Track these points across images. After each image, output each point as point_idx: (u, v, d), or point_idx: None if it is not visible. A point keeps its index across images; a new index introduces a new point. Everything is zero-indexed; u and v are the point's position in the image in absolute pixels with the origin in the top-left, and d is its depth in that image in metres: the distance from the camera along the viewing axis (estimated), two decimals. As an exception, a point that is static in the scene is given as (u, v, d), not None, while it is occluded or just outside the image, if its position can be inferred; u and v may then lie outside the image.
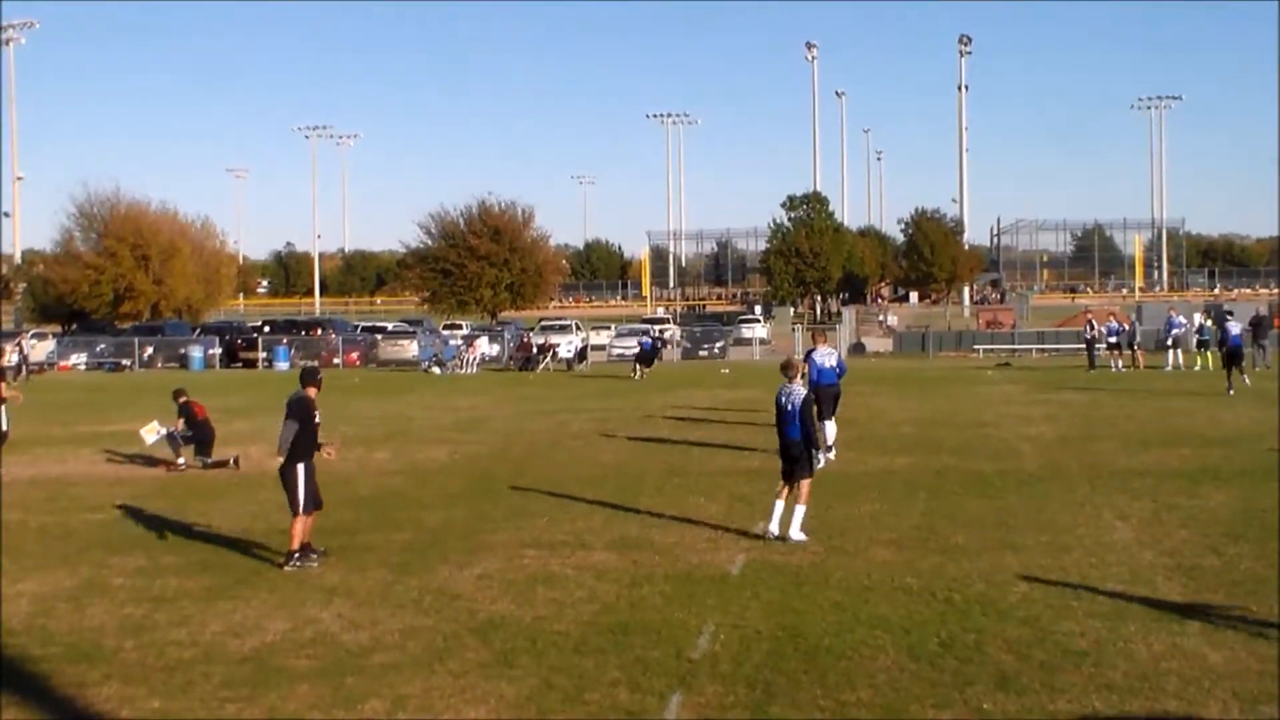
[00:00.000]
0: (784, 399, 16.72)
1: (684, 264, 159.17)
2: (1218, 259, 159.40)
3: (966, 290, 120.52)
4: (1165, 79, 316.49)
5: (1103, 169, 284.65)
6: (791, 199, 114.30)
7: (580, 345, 65.33)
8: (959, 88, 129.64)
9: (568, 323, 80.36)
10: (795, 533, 16.22)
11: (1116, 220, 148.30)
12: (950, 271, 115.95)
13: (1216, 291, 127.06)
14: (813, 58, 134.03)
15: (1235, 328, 40.43)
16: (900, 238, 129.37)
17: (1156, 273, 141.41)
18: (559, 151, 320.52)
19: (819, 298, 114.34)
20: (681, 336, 75.53)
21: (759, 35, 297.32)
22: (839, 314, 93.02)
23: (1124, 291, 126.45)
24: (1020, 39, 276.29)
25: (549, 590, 13.77)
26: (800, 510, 16.36)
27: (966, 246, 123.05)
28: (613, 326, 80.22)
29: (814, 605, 13.00)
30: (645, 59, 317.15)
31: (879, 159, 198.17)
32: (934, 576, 14.19)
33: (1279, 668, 10.28)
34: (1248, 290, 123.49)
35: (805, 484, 16.52)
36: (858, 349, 68.02)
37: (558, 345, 63.10)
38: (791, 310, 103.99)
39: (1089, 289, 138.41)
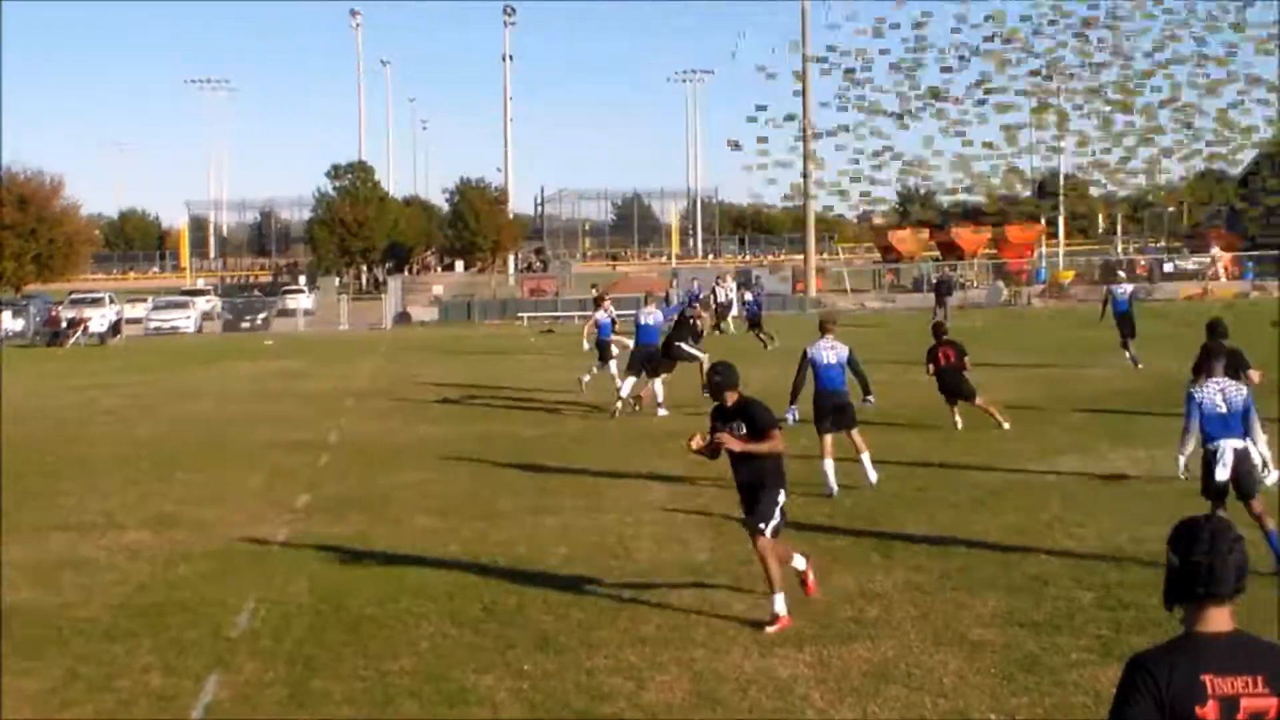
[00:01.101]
0: (822, 354, 16.83)
1: (225, 234, 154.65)
2: (747, 226, 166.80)
3: (511, 259, 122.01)
4: (699, 54, 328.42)
5: (642, 140, 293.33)
6: (336, 168, 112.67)
7: (114, 318, 62.55)
8: (504, 58, 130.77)
9: (100, 295, 76.78)
10: (872, 474, 16.73)
11: (655, 189, 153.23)
12: (495, 240, 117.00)
13: (747, 258, 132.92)
14: (357, 25, 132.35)
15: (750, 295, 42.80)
16: (446, 207, 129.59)
17: (692, 240, 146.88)
18: (90, 117, 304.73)
19: (365, 267, 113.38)
20: (223, 308, 73.41)
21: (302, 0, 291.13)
22: (384, 283, 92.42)
23: (662, 259, 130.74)
24: (563, 10, 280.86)
25: (77, 575, 13.15)
26: (865, 455, 16.79)
27: (511, 215, 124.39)
28: (150, 299, 77.09)
29: (358, 576, 12.91)
30: (180, 20, 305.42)
31: (425, 128, 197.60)
32: (477, 542, 14.34)
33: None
34: (773, 257, 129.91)
35: (856, 432, 16.88)
36: (403, 318, 67.89)
37: (89, 319, 60.13)
38: (336, 280, 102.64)
39: (630, 256, 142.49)
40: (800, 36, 68.40)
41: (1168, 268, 77.27)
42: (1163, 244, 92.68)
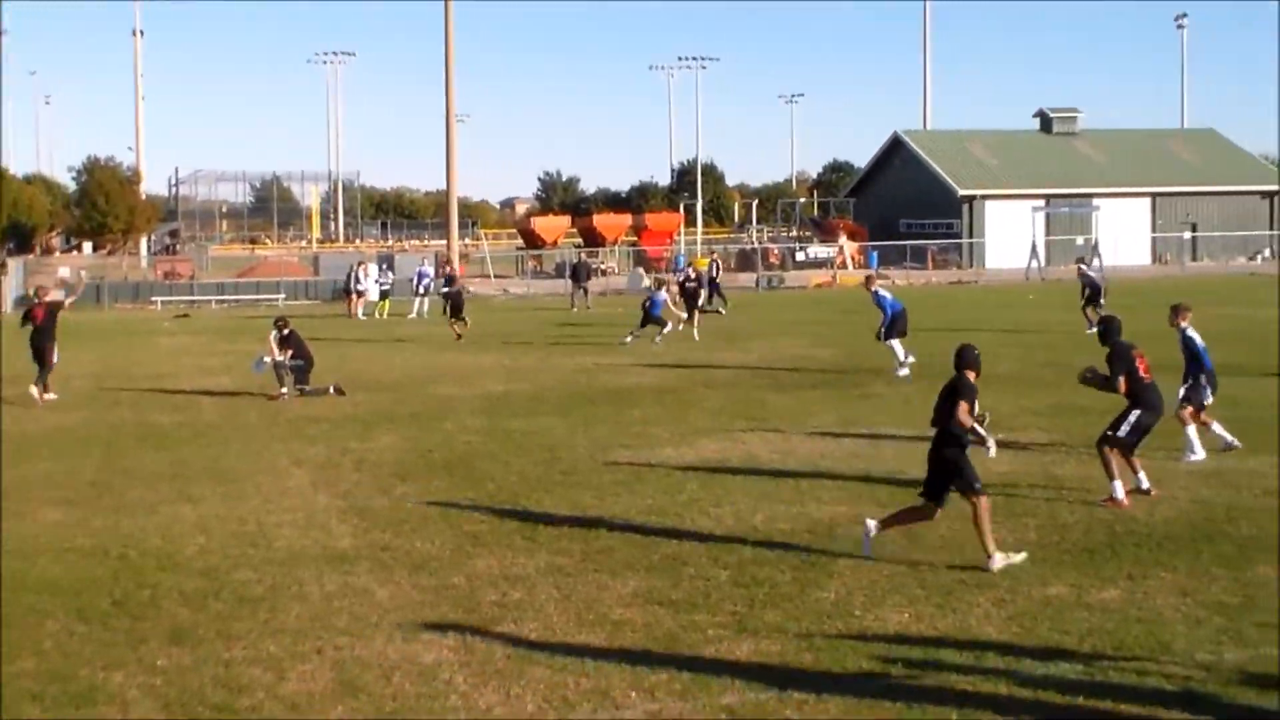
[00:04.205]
0: None
1: None
2: (390, 211, 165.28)
3: (144, 240, 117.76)
4: (339, 36, 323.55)
5: (281, 121, 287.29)
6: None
7: None
8: (134, 33, 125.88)
9: None
10: None
11: (295, 172, 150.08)
12: (127, 221, 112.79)
13: (390, 243, 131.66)
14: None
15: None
16: (73, 186, 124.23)
17: (333, 224, 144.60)
18: None
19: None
20: None
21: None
22: (4, 265, 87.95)
23: (303, 242, 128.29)
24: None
25: None
26: None
27: (144, 196, 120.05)
28: None
29: (-26, 575, 12.24)
30: None
31: (48, 103, 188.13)
32: (108, 534, 13.80)
33: None
34: (417, 241, 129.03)
35: None
36: (25, 301, 64.53)
37: None
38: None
39: (269, 240, 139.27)
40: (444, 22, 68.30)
41: (800, 256, 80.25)
42: (794, 233, 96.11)
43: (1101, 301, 36.41)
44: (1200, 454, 16.65)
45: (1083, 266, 41.22)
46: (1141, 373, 14.48)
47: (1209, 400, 17.11)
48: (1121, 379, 14.42)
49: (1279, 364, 25.11)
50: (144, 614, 10.87)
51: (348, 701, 8.83)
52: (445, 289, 41.55)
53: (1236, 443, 17.03)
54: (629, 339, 34.18)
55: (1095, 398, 19.56)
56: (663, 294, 35.90)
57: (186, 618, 10.74)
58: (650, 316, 34.71)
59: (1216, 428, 17.17)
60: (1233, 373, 19.09)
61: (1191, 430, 16.86)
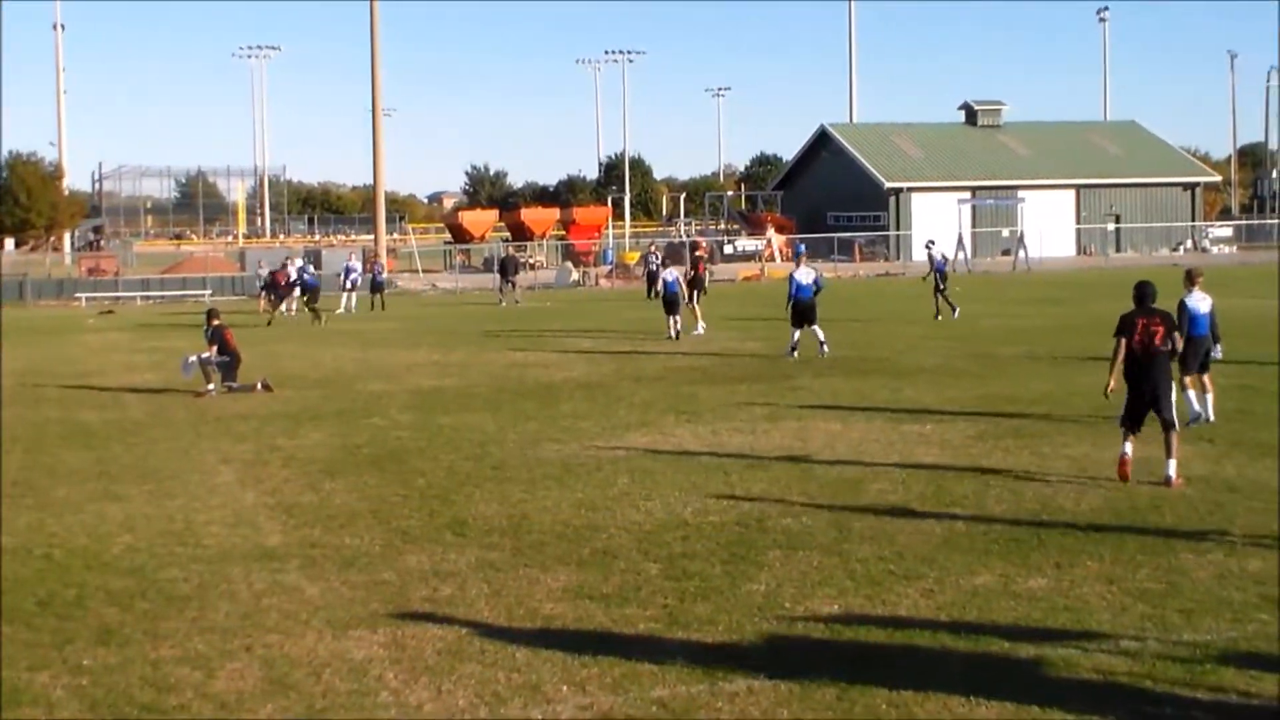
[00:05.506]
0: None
1: None
2: (317, 206, 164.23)
3: (68, 237, 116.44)
4: (265, 30, 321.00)
5: (206, 116, 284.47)
6: None
7: None
8: (55, 26, 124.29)
9: None
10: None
11: (220, 168, 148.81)
12: (50, 217, 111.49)
13: (318, 238, 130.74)
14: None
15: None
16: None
17: (260, 219, 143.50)
18: None
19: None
20: None
21: None
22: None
23: (229, 238, 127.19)
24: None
25: None
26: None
27: (67, 191, 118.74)
28: None
29: (-104, 575, 12.06)
30: None
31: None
32: (32, 534, 13.63)
33: None
34: (344, 236, 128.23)
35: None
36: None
37: None
38: None
39: (194, 235, 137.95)
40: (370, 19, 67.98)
41: (728, 249, 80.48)
42: (722, 226, 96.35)
43: (943, 287, 36.81)
44: (1197, 418, 17.55)
45: (930, 250, 40.29)
46: (1136, 343, 14.48)
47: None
48: (1120, 343, 14.62)
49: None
50: (70, 614, 10.76)
51: (278, 699, 8.78)
52: (300, 278, 41.55)
53: (1206, 416, 17.88)
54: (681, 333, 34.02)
55: (1021, 389, 19.88)
56: (671, 272, 34.99)
57: (113, 617, 10.63)
58: (669, 297, 34.18)
59: (1190, 395, 17.82)
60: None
61: (1190, 395, 17.38)
